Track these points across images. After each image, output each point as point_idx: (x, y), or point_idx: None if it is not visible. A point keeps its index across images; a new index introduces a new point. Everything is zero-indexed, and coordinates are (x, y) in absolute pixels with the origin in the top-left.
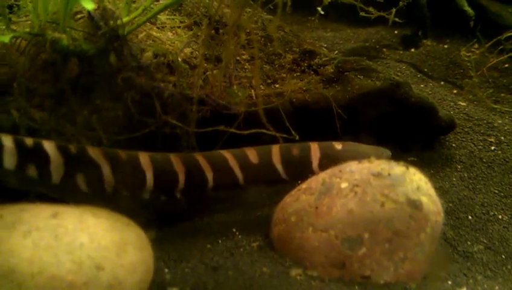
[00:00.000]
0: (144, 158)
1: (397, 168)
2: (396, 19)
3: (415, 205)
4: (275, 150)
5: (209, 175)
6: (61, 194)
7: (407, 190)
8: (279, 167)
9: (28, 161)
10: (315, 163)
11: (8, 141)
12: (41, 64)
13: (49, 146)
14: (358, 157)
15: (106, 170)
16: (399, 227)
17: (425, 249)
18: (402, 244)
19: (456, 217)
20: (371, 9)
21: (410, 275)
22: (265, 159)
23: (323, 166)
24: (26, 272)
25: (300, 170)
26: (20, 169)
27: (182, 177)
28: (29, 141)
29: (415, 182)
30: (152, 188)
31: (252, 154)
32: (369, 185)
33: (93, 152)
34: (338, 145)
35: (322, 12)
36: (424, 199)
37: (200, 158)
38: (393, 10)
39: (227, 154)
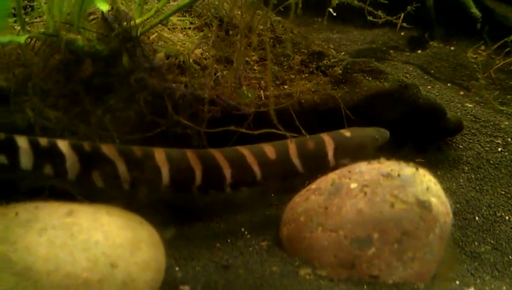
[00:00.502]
0: (160, 154)
1: (407, 169)
2: (404, 24)
3: (424, 206)
4: (291, 145)
5: (227, 171)
6: (78, 190)
7: (416, 190)
8: (296, 161)
9: (44, 160)
10: (330, 153)
11: (23, 142)
12: (55, 65)
13: (63, 145)
14: (366, 139)
15: (121, 167)
16: (408, 227)
17: (434, 249)
18: (411, 245)
19: (464, 218)
20: (378, 12)
21: (418, 275)
22: (282, 155)
23: (337, 155)
24: (42, 270)
25: (316, 162)
26: (36, 168)
27: (199, 174)
28: (43, 141)
29: (424, 183)
30: (168, 184)
31: (270, 150)
32: (379, 186)
33: (107, 149)
34: (346, 132)
35: (334, 14)
36: (434, 200)
37: (218, 154)
38: (402, 15)
39: (244, 150)
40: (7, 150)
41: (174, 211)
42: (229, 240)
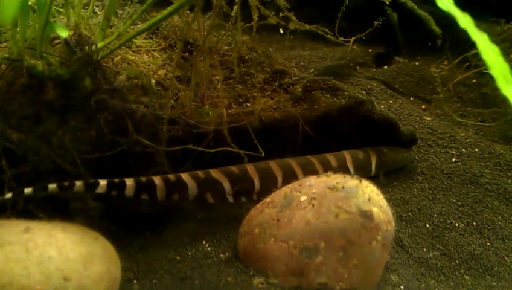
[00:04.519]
0: (251, 168)
1: (351, 182)
2: (355, 47)
3: (366, 215)
4: (348, 155)
5: (300, 177)
6: (195, 208)
7: (359, 201)
8: (351, 169)
9: (173, 191)
10: (373, 165)
11: (158, 181)
12: (19, 88)
13: (185, 177)
14: (398, 157)
15: (226, 185)
16: (352, 236)
17: (377, 256)
18: (355, 252)
19: (415, 226)
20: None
21: (363, 281)
22: (341, 163)
23: (377, 167)
24: None
25: (363, 171)
26: (168, 198)
27: (280, 180)
28: (172, 177)
29: (367, 194)
30: (259, 191)
31: (332, 159)
32: (325, 198)
33: (215, 173)
34: (385, 149)
35: (282, 32)
36: (375, 210)
37: (293, 162)
38: (352, 39)
39: (313, 159)
40: (148, 189)
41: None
42: (189, 253)
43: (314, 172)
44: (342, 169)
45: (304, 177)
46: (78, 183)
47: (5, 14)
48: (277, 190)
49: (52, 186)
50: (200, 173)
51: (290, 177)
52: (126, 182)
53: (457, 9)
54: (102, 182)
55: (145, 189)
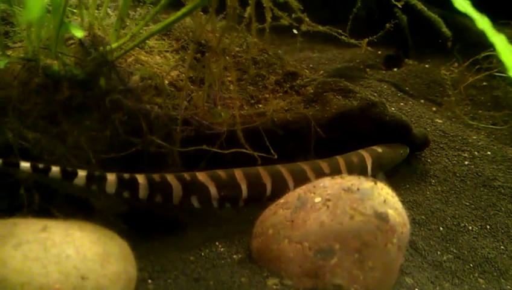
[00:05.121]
0: (239, 174)
1: (366, 183)
2: (369, 48)
3: (381, 217)
4: (341, 161)
5: (291, 184)
6: (180, 212)
7: (374, 203)
8: (345, 174)
9: (156, 191)
10: (369, 167)
11: (142, 179)
12: (34, 88)
13: (170, 178)
14: (394, 154)
15: (213, 189)
16: (367, 238)
17: (392, 258)
18: (370, 254)
19: (428, 229)
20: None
21: (379, 283)
22: (335, 169)
23: (374, 168)
24: (16, 282)
25: (359, 174)
26: (150, 198)
27: (269, 187)
28: (156, 177)
29: (382, 196)
30: (246, 198)
31: (324, 165)
32: (340, 199)
33: (202, 176)
34: (379, 149)
35: (295, 32)
36: (391, 212)
37: (283, 169)
38: (366, 40)
39: (305, 166)
40: (130, 186)
41: (153, 224)
42: (202, 254)
43: (306, 179)
44: (336, 175)
45: (295, 185)
46: (55, 169)
47: (30, 16)
48: (290, 192)
49: (24, 164)
50: (186, 176)
51: (279, 184)
52: (107, 177)
53: (474, 10)
54: (82, 173)
55: (127, 186)
